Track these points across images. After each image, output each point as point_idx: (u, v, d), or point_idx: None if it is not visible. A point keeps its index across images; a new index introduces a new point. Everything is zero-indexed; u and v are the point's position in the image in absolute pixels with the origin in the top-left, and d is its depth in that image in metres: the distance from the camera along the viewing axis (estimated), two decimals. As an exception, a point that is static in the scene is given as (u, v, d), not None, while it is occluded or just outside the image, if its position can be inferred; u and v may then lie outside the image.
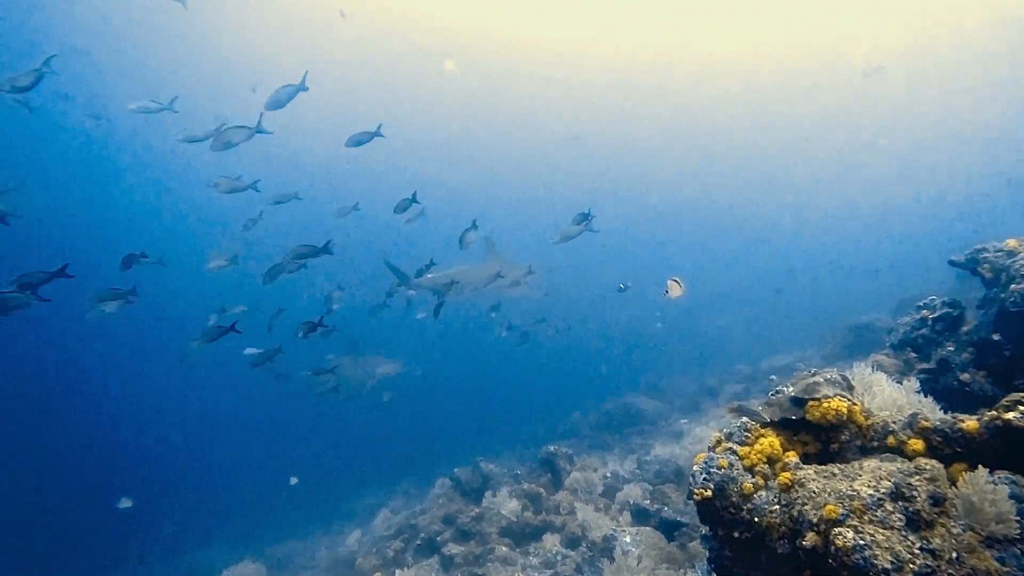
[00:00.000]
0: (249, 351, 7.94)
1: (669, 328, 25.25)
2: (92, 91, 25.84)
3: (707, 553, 5.68)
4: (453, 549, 7.15)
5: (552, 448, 8.31)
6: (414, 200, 8.13)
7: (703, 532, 6.31)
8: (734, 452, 3.54)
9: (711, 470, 3.47)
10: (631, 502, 6.80)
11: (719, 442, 3.72)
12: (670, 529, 6.30)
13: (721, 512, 3.37)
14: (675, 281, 5.51)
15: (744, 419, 3.74)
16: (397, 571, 6.84)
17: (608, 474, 8.11)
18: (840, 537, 2.48)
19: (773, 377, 10.31)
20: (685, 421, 11.97)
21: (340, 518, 12.10)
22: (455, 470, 8.52)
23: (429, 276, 9.62)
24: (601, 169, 43.85)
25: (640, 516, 6.70)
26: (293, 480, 10.15)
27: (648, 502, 6.80)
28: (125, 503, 8.02)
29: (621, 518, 6.64)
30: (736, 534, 3.33)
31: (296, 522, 12.34)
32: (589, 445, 12.28)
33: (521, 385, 21.04)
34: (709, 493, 3.38)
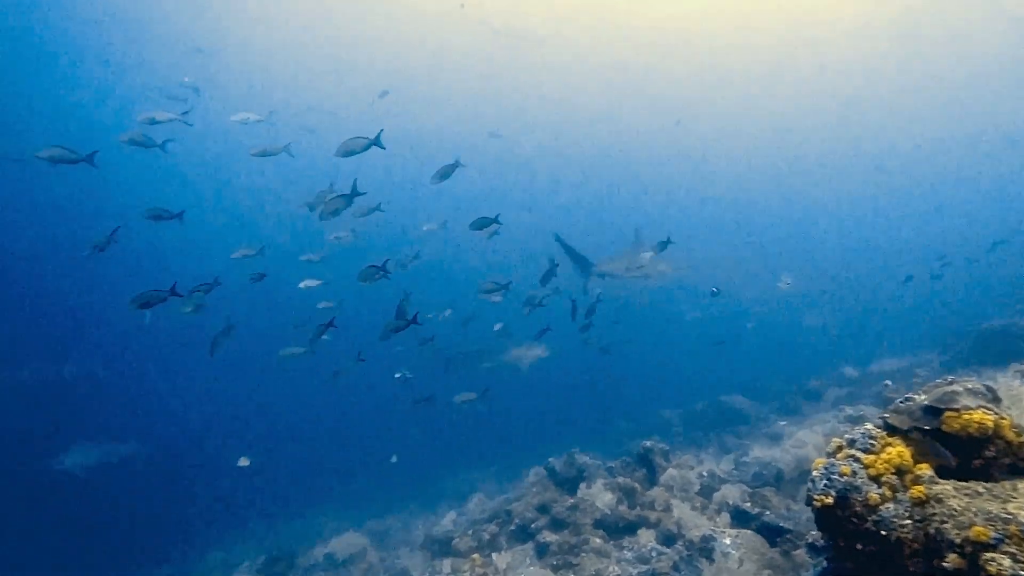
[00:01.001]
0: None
1: (763, 326, 24.22)
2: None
3: (815, 563, 5.47)
4: (548, 537, 7.33)
5: (648, 443, 8.27)
6: (495, 220, 8.19)
7: (809, 540, 6.10)
8: (858, 460, 3.41)
9: (832, 477, 3.37)
10: (730, 503, 6.66)
11: (840, 448, 3.60)
12: (772, 534, 6.12)
13: (843, 522, 3.27)
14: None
15: (868, 426, 3.60)
16: (494, 554, 7.10)
17: (704, 473, 7.97)
18: (993, 563, 2.35)
19: (888, 382, 9.64)
20: (784, 423, 11.49)
21: (434, 498, 12.67)
22: (549, 460, 8.68)
23: (608, 261, 10.15)
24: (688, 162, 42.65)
25: (739, 518, 6.56)
26: (393, 458, 10.74)
27: (748, 504, 6.63)
28: (243, 461, 8.84)
29: (719, 519, 6.53)
30: (859, 546, 3.23)
31: (394, 499, 13.06)
32: (682, 443, 12.11)
33: (609, 379, 20.96)
34: (830, 500, 3.30)
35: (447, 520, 9.74)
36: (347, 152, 6.89)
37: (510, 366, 10.80)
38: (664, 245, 8.69)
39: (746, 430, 11.97)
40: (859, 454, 3.42)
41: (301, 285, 9.62)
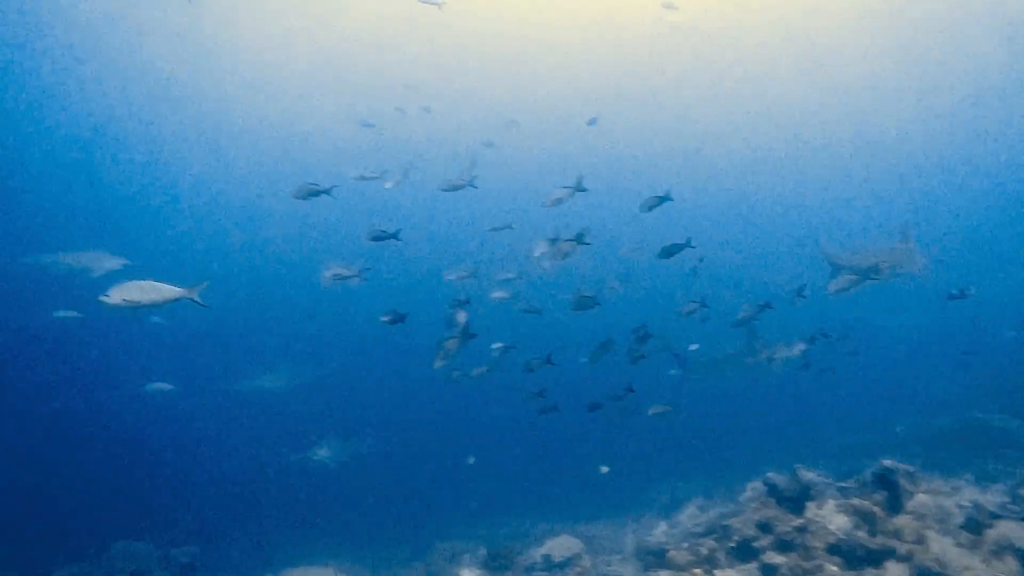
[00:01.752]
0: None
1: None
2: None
3: None
4: (774, 558, 6.95)
5: (888, 463, 7.43)
6: (667, 198, 7.65)
7: None
8: None
9: None
10: (1017, 546, 5.69)
11: None
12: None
13: None
14: None
15: None
16: (716, 571, 6.94)
17: (966, 503, 6.91)
18: None
19: None
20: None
21: (639, 506, 12.71)
22: (768, 474, 8.23)
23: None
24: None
25: (1028, 563, 5.59)
26: (604, 469, 11.02)
27: (1040, 547, 5.61)
28: (471, 460, 9.75)
29: (1001, 564, 5.61)
30: None
31: (599, 505, 13.35)
32: (922, 465, 10.58)
33: (821, 387, 19.09)
34: None
35: (659, 531, 9.70)
36: (556, 202, 7.14)
37: (760, 368, 10.44)
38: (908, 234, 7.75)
39: (1017, 456, 10.07)
40: None
41: (494, 296, 9.97)
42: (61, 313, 12.66)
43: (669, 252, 8.18)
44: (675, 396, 9.84)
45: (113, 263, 11.65)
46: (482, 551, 11.65)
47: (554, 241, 7.31)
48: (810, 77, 30.63)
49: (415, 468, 17.50)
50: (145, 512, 13.40)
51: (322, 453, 15.36)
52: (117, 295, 4.74)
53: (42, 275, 12.75)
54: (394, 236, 7.73)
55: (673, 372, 13.79)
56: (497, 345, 9.03)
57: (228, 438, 18.66)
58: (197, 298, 5.13)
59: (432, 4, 13.58)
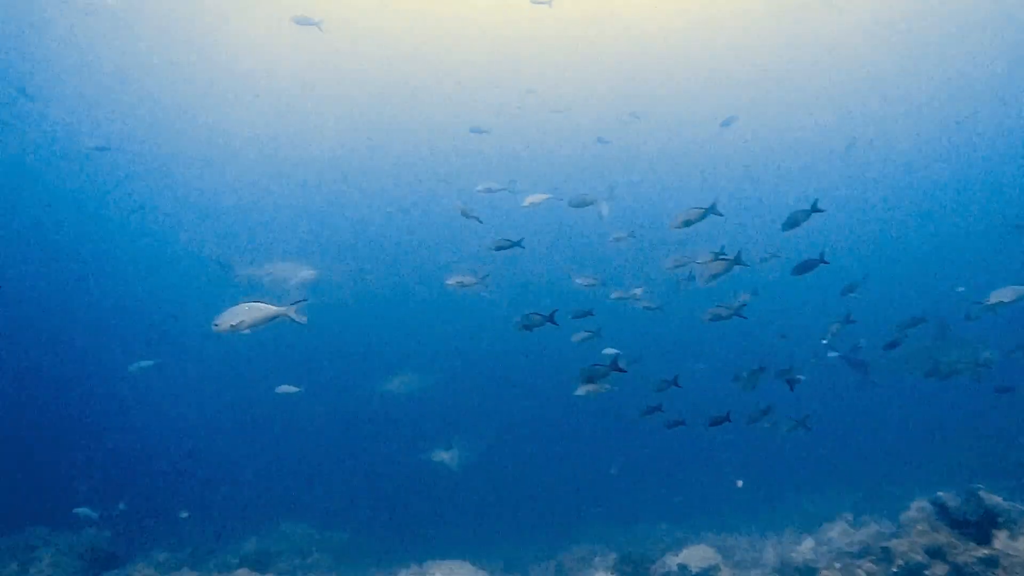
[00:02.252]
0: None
1: None
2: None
3: None
4: (952, 588, 6.32)
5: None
6: (815, 209, 6.77)
7: None
8: None
9: None
10: None
11: None
12: None
13: None
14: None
15: None
16: (879, 595, 6.43)
17: None
18: None
19: None
20: None
21: (778, 519, 12.04)
22: (939, 493, 7.48)
23: None
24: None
25: None
26: (739, 483, 10.58)
27: None
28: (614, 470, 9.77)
29: None
30: None
31: (734, 515, 12.82)
32: None
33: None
34: None
35: (804, 547, 9.16)
36: (686, 222, 6.64)
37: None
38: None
39: None
40: None
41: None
42: (136, 366, 12.77)
43: (804, 268, 7.64)
44: (806, 406, 9.10)
45: (307, 274, 12.47)
46: (612, 556, 11.63)
47: (717, 256, 6.79)
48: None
49: (544, 471, 17.77)
50: (305, 499, 14.86)
51: (444, 456, 15.93)
52: (225, 322, 5.00)
53: (248, 286, 13.52)
54: (517, 244, 7.95)
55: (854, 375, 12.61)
56: (610, 351, 8.96)
57: (365, 437, 19.97)
58: (295, 315, 5.27)
59: (542, 3, 13.69)
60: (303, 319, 5.31)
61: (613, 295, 9.34)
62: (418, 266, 30.70)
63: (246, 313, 5.02)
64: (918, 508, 7.75)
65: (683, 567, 9.44)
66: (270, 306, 5.13)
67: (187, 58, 23.42)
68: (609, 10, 23.13)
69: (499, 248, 7.98)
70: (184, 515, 13.72)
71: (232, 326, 4.99)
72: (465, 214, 8.25)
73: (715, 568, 9.35)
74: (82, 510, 9.94)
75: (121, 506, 12.20)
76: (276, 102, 27.01)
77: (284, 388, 10.66)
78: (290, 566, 10.68)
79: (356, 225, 34.75)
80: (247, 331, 5.07)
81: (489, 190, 9.74)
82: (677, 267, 7.96)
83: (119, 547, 10.78)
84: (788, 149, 32.49)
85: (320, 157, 31.21)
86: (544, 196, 8.69)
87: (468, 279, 7.86)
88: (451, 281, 7.85)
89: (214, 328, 5.00)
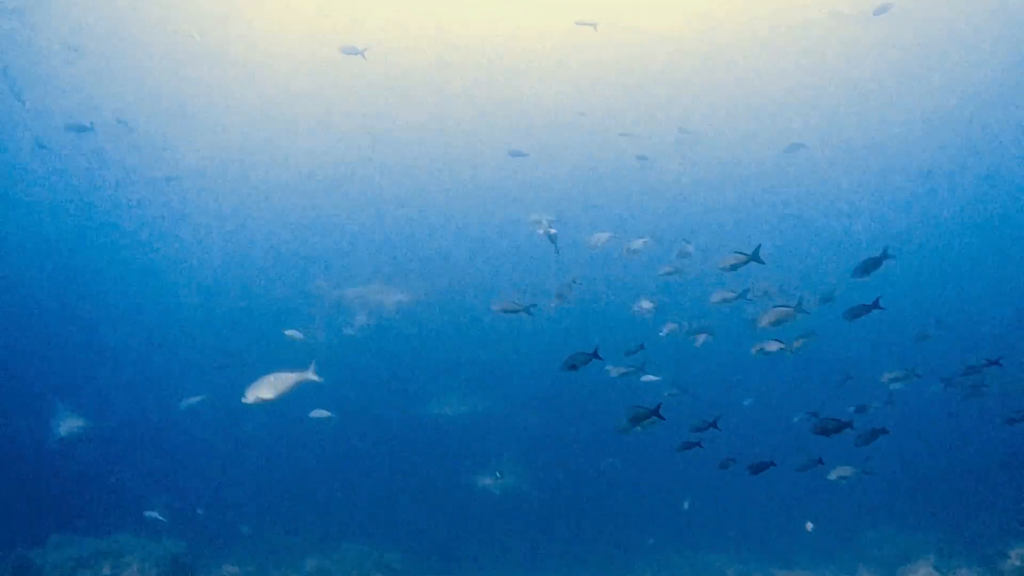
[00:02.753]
0: None
1: None
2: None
3: None
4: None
5: None
6: (885, 256, 6.78)
7: None
8: None
9: None
10: None
11: None
12: None
13: None
14: None
15: None
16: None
17: None
18: None
19: None
20: None
21: (852, 557, 11.45)
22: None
23: None
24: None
25: None
26: (809, 526, 10.10)
27: None
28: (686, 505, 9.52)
29: None
30: None
31: (802, 550, 12.25)
32: None
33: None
34: None
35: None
36: (731, 268, 6.82)
37: None
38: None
39: None
40: None
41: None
42: (187, 402, 12.73)
43: (867, 268, 7.32)
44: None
45: (403, 296, 12.60)
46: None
47: (798, 306, 6.95)
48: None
49: (600, 495, 17.51)
50: (361, 520, 15.08)
51: (487, 481, 15.73)
52: (252, 395, 5.32)
53: (341, 304, 13.49)
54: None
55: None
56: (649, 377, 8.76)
57: (420, 460, 20.05)
58: (314, 376, 5.72)
59: (587, 24, 13.81)
60: (319, 378, 5.80)
61: (664, 330, 9.30)
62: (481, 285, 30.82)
63: (271, 385, 5.32)
64: (1019, 555, 7.23)
65: (749, 603, 9.09)
66: (293, 374, 5.51)
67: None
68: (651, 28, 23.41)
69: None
70: (246, 530, 14.22)
71: (259, 398, 5.29)
72: (548, 235, 8.31)
73: (786, 606, 8.95)
74: (151, 514, 10.32)
75: (199, 511, 12.79)
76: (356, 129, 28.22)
77: (317, 413, 10.77)
78: (350, 586, 10.86)
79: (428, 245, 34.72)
80: (273, 399, 5.33)
81: (548, 234, 9.22)
82: (723, 301, 8.02)
83: (193, 558, 11.20)
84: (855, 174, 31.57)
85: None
86: (607, 235, 8.68)
87: (512, 305, 7.92)
88: (497, 307, 7.97)
89: (245, 401, 5.29)
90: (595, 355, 6.91)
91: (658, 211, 32.35)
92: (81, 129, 15.24)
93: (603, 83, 26.39)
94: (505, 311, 7.90)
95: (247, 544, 13.29)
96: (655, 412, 6.47)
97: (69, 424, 9.54)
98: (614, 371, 8.54)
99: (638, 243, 8.61)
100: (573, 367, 6.97)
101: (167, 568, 9.69)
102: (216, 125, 27.16)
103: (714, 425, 7.40)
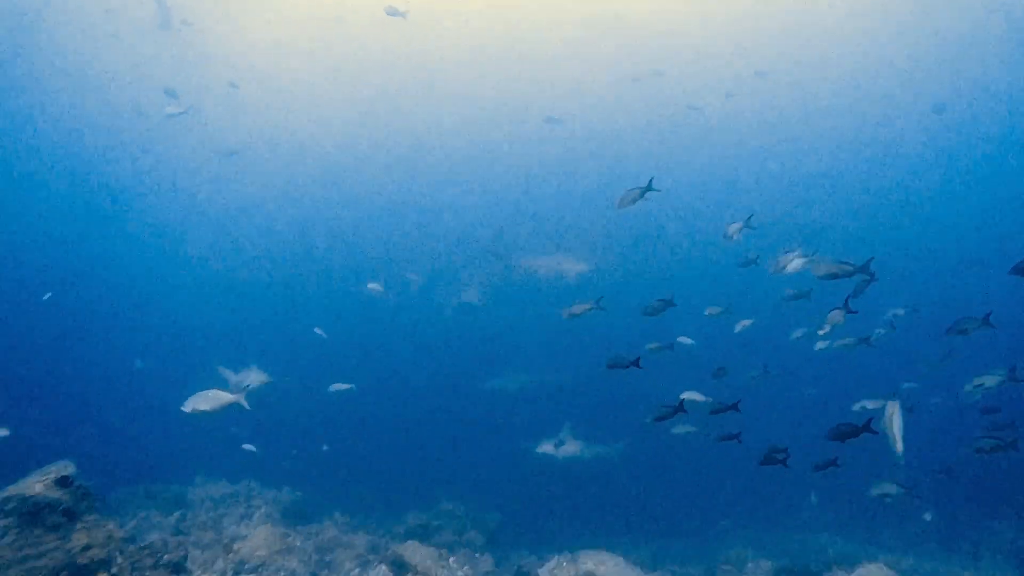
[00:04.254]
0: None
1: None
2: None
3: None
4: None
5: None
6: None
7: None
8: None
9: None
10: None
11: None
12: None
13: None
14: None
15: None
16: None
17: None
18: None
19: None
20: None
21: (978, 547, 10.64)
22: None
23: None
24: None
25: None
26: (927, 515, 9.52)
27: None
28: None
29: None
30: None
31: (918, 538, 11.55)
32: None
33: None
34: None
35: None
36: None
37: None
38: None
39: None
40: None
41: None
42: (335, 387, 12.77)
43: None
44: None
45: (581, 267, 13.11)
46: (767, 563, 11.05)
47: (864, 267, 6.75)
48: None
49: (693, 470, 17.34)
50: (460, 481, 15.88)
51: (549, 448, 15.66)
52: (190, 406, 6.36)
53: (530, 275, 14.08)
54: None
55: None
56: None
57: (514, 430, 20.57)
58: (243, 402, 6.57)
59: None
60: (247, 405, 6.68)
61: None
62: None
63: (206, 400, 6.41)
64: None
65: (855, 586, 8.70)
66: (226, 394, 6.50)
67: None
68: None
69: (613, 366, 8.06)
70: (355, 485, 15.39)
71: (195, 409, 6.40)
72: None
73: (894, 591, 8.51)
74: (248, 447, 11.25)
75: (325, 447, 14.04)
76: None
77: (337, 386, 11.15)
78: (449, 541, 11.46)
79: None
80: (209, 412, 6.43)
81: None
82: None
83: (307, 506, 12.35)
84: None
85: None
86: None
87: (582, 308, 8.16)
88: (567, 311, 8.23)
89: (182, 408, 6.39)
90: (636, 363, 7.35)
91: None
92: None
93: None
94: (575, 315, 8.22)
95: (355, 497, 14.39)
96: (679, 408, 7.12)
97: (245, 379, 10.46)
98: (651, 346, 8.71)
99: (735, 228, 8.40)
100: (613, 366, 7.54)
101: (287, 511, 10.81)
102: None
103: (735, 407, 7.45)
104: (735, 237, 8.22)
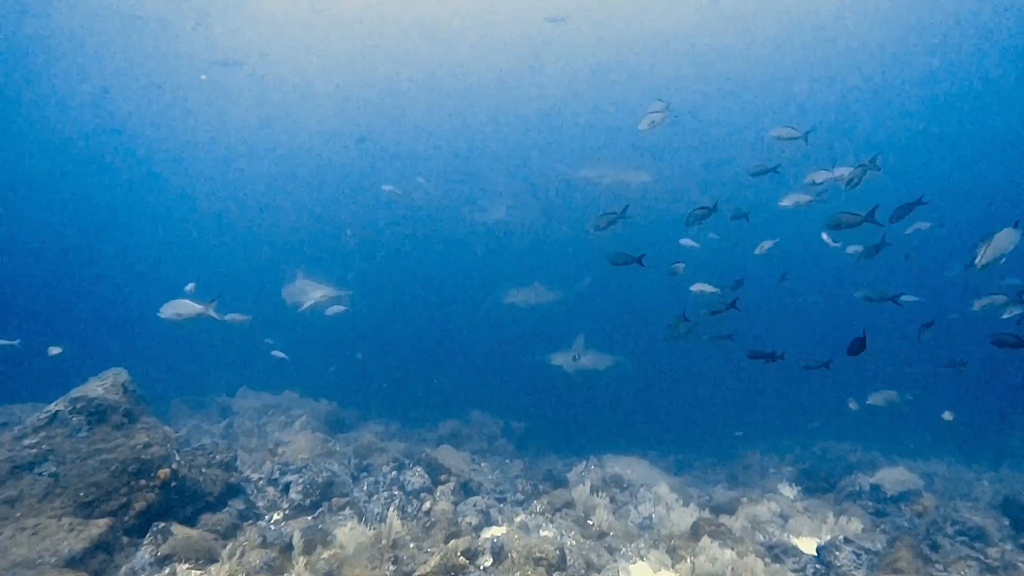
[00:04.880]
0: None
1: None
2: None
3: None
4: None
5: None
6: (918, 203, 6.87)
7: None
8: None
9: None
10: None
11: None
12: None
13: None
14: None
15: None
16: None
17: None
18: None
19: None
20: None
21: (1000, 454, 10.76)
22: None
23: None
24: None
25: None
26: (947, 415, 9.50)
27: None
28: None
29: None
30: None
31: (938, 444, 11.71)
32: None
33: None
34: None
35: (1033, 484, 8.17)
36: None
37: None
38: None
39: None
40: None
41: None
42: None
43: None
44: None
45: (644, 177, 12.88)
46: (789, 468, 11.39)
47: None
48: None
49: (712, 381, 17.66)
50: (488, 394, 16.50)
51: (560, 359, 15.81)
52: (165, 311, 6.72)
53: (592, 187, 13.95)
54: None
55: None
56: None
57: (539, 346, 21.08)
58: (213, 312, 6.84)
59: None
60: (217, 315, 6.99)
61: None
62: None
63: (179, 308, 6.76)
64: None
65: (876, 488, 8.91)
66: (196, 304, 6.80)
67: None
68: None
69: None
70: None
71: (170, 315, 6.77)
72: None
73: (914, 493, 8.71)
74: (277, 353, 11.16)
75: (358, 355, 14.71)
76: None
77: (277, 353, 10.81)
78: (480, 447, 12.05)
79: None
80: (183, 318, 6.80)
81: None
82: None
83: (344, 416, 12.99)
84: None
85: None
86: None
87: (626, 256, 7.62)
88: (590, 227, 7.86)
89: (158, 313, 6.75)
90: (639, 260, 7.12)
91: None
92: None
93: None
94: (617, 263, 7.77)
95: (389, 408, 15.07)
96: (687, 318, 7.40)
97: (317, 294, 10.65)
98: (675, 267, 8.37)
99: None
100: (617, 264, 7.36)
101: (325, 420, 11.40)
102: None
103: (733, 305, 7.38)
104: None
